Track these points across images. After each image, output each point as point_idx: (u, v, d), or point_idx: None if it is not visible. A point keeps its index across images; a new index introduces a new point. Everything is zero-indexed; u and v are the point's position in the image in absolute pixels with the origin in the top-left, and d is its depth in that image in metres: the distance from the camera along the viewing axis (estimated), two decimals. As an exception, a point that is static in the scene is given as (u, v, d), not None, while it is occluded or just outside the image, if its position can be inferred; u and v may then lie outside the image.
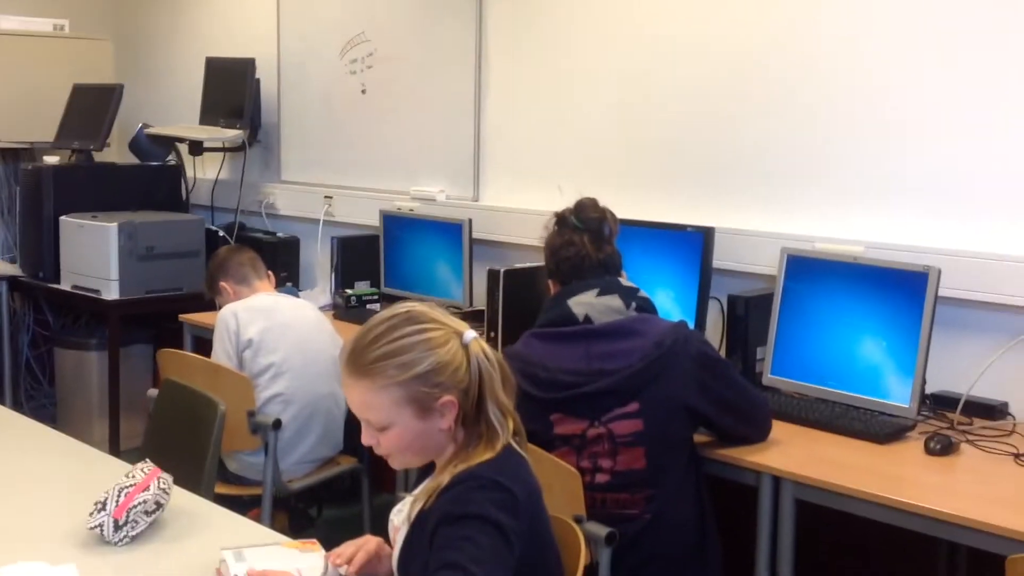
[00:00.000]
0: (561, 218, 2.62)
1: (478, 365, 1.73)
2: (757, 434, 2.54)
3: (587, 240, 2.55)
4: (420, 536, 1.71)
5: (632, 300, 2.49)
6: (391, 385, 1.71)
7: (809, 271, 2.89)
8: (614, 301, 2.47)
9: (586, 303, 2.46)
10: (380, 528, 1.97)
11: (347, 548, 1.88)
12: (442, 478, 1.71)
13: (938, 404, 2.77)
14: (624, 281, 2.55)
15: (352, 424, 1.85)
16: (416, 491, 1.80)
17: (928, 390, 2.75)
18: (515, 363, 2.36)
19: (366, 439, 1.78)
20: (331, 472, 3.50)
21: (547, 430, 2.41)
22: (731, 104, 3.31)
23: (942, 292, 2.67)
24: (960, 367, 2.80)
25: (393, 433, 1.74)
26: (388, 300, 4.07)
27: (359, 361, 1.73)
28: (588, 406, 2.39)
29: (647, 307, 2.52)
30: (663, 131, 3.49)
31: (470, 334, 1.76)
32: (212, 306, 3.63)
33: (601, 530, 2.20)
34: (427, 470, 1.85)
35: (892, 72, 2.95)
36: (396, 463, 1.83)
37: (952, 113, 2.85)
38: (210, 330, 3.50)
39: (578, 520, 2.06)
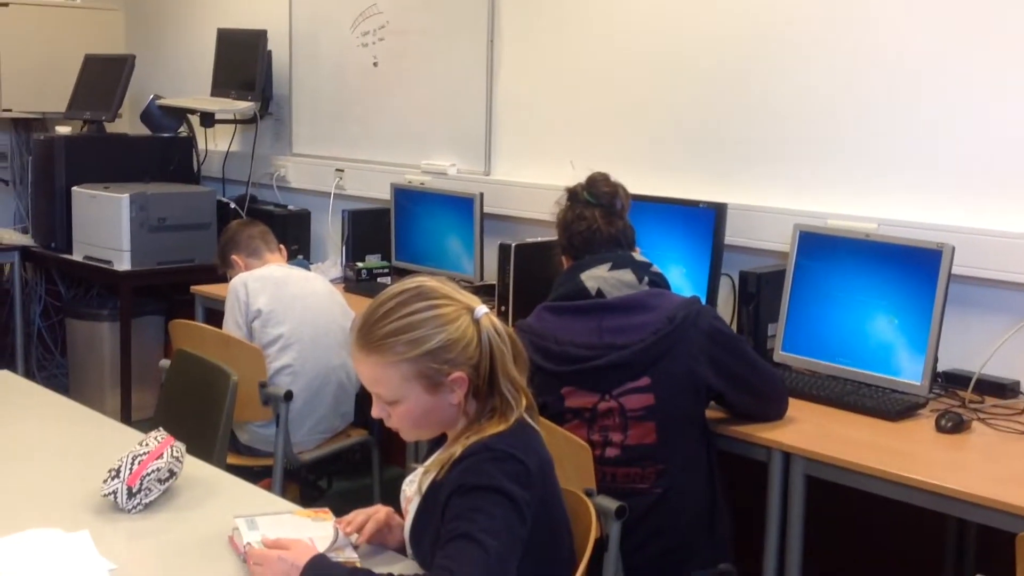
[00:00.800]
0: (573, 193, 2.61)
1: (489, 341, 1.73)
2: (773, 411, 2.54)
3: (599, 215, 2.55)
4: (432, 507, 1.72)
5: (645, 275, 2.49)
6: (401, 361, 1.71)
7: (821, 248, 2.88)
8: (627, 275, 2.47)
9: (599, 277, 2.46)
10: (390, 501, 1.98)
11: (357, 516, 1.90)
12: (454, 449, 1.72)
13: (950, 382, 2.77)
14: (637, 256, 2.55)
15: (364, 396, 1.85)
16: (428, 462, 1.81)
17: (940, 368, 2.74)
18: (527, 336, 2.39)
19: (376, 412, 1.79)
20: (342, 444, 3.52)
21: (558, 403, 2.41)
22: (744, 81, 3.29)
23: (955, 270, 2.66)
24: (972, 345, 2.79)
25: (403, 408, 1.75)
26: (399, 273, 4.07)
27: (369, 336, 1.73)
28: (599, 380, 2.39)
29: (660, 282, 2.52)
30: (674, 107, 3.47)
31: (481, 309, 1.75)
32: (224, 278, 3.64)
33: (611, 504, 2.20)
34: (438, 441, 1.86)
35: (906, 49, 2.93)
36: (407, 436, 1.84)
37: (966, 91, 2.83)
38: (221, 301, 3.51)
39: (588, 494, 2.07)
